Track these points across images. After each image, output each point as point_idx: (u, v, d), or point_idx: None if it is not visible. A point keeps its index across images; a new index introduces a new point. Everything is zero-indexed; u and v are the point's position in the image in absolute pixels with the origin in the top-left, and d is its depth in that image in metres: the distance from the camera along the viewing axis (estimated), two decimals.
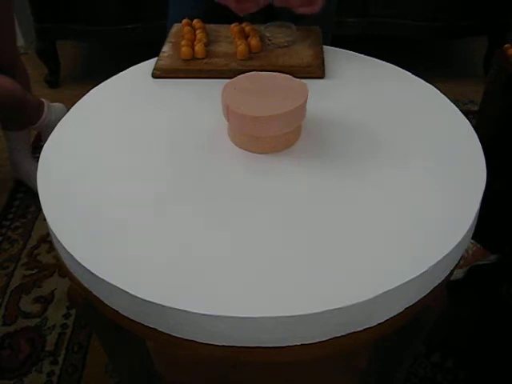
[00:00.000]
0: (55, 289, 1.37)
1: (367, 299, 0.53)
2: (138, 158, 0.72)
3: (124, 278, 0.55)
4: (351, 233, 0.60)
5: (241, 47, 0.88)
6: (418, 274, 0.55)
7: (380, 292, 0.54)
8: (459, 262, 0.65)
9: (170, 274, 0.56)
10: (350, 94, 0.83)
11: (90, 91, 0.86)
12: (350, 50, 0.95)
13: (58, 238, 0.60)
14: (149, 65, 0.90)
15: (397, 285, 0.54)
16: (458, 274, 1.28)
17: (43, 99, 1.63)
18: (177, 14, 1.05)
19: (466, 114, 0.79)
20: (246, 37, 0.91)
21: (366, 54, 0.94)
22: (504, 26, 2.02)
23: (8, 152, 1.66)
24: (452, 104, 0.81)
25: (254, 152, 0.72)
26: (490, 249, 1.30)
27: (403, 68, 0.89)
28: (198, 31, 0.93)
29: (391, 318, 0.58)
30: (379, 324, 0.57)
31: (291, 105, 0.68)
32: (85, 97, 0.85)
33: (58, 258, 0.66)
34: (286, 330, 0.54)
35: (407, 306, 0.58)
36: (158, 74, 0.88)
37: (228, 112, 0.70)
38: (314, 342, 0.55)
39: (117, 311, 0.59)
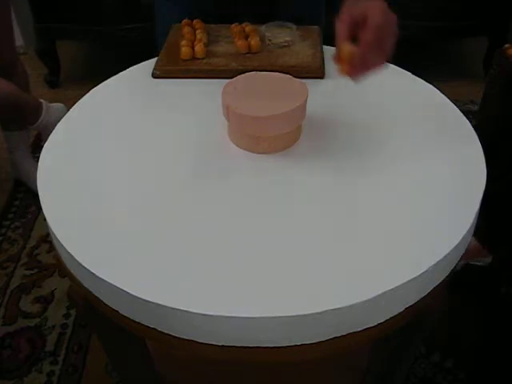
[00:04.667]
0: (55, 289, 1.37)
1: (367, 299, 0.53)
2: (137, 158, 0.72)
3: (124, 278, 0.55)
4: (351, 232, 0.60)
5: (240, 42, 0.89)
6: (418, 273, 0.55)
7: (380, 292, 0.54)
8: (459, 261, 0.65)
9: (170, 273, 0.56)
10: (350, 94, 0.83)
11: (90, 91, 0.86)
12: None
13: (58, 238, 0.60)
14: (149, 65, 0.90)
15: (397, 285, 0.54)
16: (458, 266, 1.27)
17: (42, 100, 1.62)
18: (164, 21, 1.04)
19: (466, 114, 0.79)
20: (246, 37, 0.91)
21: None
22: (504, 26, 2.02)
23: (8, 152, 1.66)
24: (452, 104, 0.81)
25: (254, 152, 0.72)
26: (489, 249, 1.30)
27: (403, 68, 0.89)
28: (197, 31, 0.93)
29: (391, 317, 0.58)
30: (379, 324, 0.57)
31: (291, 105, 0.68)
32: (85, 97, 0.85)
33: (57, 258, 0.66)
34: (286, 330, 0.54)
35: (407, 305, 0.58)
36: (157, 74, 0.88)
37: (228, 112, 0.70)
38: (314, 342, 0.55)
39: (117, 311, 0.59)
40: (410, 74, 0.88)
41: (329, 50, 0.94)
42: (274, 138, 0.71)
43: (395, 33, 0.67)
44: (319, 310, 0.52)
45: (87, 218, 0.63)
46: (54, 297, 1.35)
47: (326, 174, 0.68)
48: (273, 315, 0.52)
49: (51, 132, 0.77)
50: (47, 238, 1.51)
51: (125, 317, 0.58)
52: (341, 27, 0.68)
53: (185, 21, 0.96)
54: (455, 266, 0.64)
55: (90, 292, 0.61)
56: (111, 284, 0.55)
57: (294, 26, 0.93)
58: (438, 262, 0.57)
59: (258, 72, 0.76)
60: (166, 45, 0.93)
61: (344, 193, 0.66)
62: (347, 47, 0.66)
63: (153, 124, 0.78)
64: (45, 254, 1.47)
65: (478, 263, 1.32)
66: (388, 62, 0.68)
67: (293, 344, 0.55)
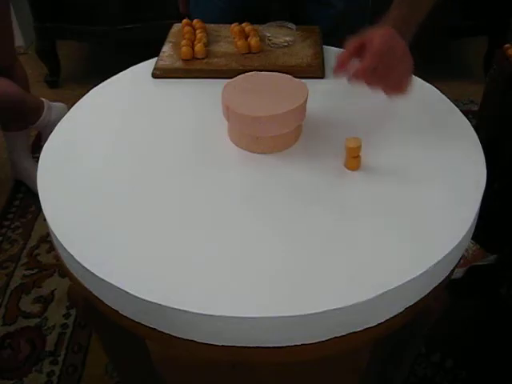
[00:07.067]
0: (55, 289, 1.37)
1: (367, 299, 0.53)
2: (137, 158, 0.72)
3: (124, 278, 0.55)
4: (351, 232, 0.60)
5: (240, 42, 0.89)
6: (418, 274, 0.55)
7: (380, 292, 0.54)
8: (459, 261, 0.65)
9: (170, 273, 0.56)
10: (350, 94, 0.83)
11: (90, 91, 0.86)
12: None
13: (58, 237, 0.60)
14: (149, 65, 0.90)
15: (397, 285, 0.54)
16: (458, 273, 1.28)
17: (44, 99, 1.62)
18: (198, 13, 1.04)
19: (466, 114, 0.79)
20: (246, 37, 0.91)
21: None
22: (504, 26, 2.01)
23: (8, 152, 1.66)
24: (452, 104, 0.81)
25: (254, 152, 0.72)
26: (489, 249, 1.30)
27: None
28: (198, 31, 0.93)
29: (391, 317, 0.58)
30: (379, 324, 0.57)
31: (291, 105, 0.68)
32: (85, 97, 0.85)
33: (57, 258, 0.66)
34: (286, 330, 0.54)
35: (407, 305, 0.58)
36: (157, 74, 0.88)
37: (228, 112, 0.70)
38: (314, 342, 0.55)
39: (117, 311, 0.59)
40: None
41: (329, 50, 0.94)
42: (273, 138, 0.71)
43: (407, 63, 0.65)
44: (319, 310, 0.52)
45: (87, 218, 0.63)
46: (53, 297, 1.35)
47: (325, 174, 0.68)
48: (273, 315, 0.52)
49: (51, 131, 0.77)
50: (47, 238, 1.50)
51: (125, 317, 0.58)
52: (343, 53, 0.69)
53: (185, 21, 0.96)
54: (455, 267, 0.64)
55: (90, 292, 0.61)
56: (111, 284, 0.55)
57: (294, 26, 0.93)
58: (438, 261, 0.57)
59: (258, 72, 0.76)
60: (166, 45, 0.93)
61: (344, 193, 0.66)
62: (350, 142, 0.67)
63: (153, 124, 0.78)
64: (45, 254, 1.47)
65: (483, 263, 1.32)
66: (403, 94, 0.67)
67: (293, 344, 0.55)
